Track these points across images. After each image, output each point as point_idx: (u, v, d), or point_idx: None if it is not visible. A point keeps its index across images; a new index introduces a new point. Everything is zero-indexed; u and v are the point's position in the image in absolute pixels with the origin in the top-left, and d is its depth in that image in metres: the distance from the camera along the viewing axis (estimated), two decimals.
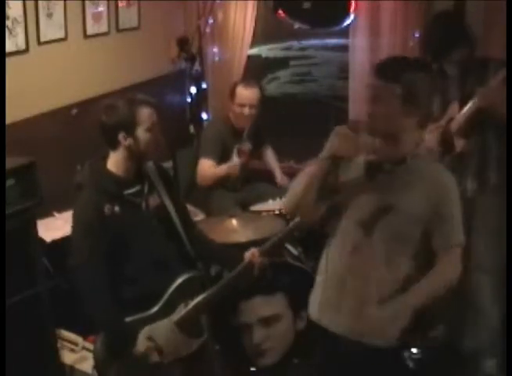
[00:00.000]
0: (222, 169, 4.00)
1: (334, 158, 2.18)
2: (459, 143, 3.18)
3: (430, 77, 2.21)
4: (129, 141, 2.54)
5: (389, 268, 2.24)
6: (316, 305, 2.42)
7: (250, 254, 2.74)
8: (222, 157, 4.03)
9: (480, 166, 3.23)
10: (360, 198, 2.25)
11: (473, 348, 3.41)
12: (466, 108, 3.11)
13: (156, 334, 2.59)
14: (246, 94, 3.97)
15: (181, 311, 2.64)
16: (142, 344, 2.55)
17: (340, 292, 2.33)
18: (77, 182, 2.63)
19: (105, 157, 2.62)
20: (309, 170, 2.25)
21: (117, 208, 2.54)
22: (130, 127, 2.53)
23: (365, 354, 2.27)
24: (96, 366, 2.65)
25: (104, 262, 2.51)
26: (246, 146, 4.09)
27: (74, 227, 2.56)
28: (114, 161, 2.59)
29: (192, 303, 2.64)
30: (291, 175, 4.20)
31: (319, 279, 2.43)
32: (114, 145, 2.57)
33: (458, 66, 3.20)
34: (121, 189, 2.58)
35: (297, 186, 2.29)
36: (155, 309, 2.61)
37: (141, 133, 2.54)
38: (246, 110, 3.97)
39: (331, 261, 2.37)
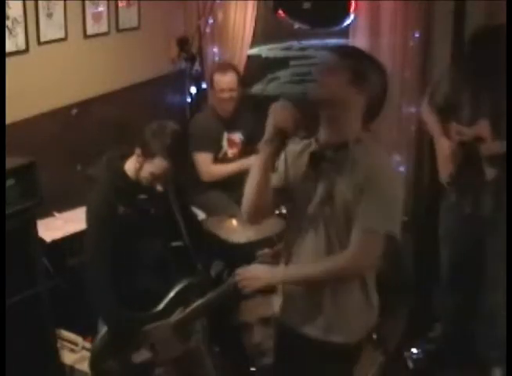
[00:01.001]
0: (231, 167, 4.02)
1: (277, 134, 2.07)
2: (491, 172, 3.12)
3: (379, 67, 2.18)
4: (139, 160, 2.59)
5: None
6: None
7: (264, 254, 2.75)
8: (214, 149, 4.05)
9: (499, 187, 3.17)
10: (306, 190, 2.19)
11: (487, 356, 3.40)
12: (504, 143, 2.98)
13: (153, 333, 2.60)
14: (224, 79, 4.08)
15: (179, 314, 2.65)
16: (142, 343, 2.56)
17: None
18: (90, 176, 2.64)
19: (123, 156, 2.64)
20: (256, 164, 2.16)
21: (129, 210, 2.57)
22: (144, 155, 2.59)
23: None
24: (91, 362, 2.67)
25: (110, 261, 2.53)
26: (237, 135, 4.11)
27: (87, 222, 2.60)
28: (131, 164, 2.63)
29: (191, 306, 2.66)
30: None
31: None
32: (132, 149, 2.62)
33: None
34: (135, 192, 2.61)
35: (250, 188, 2.20)
36: (156, 309, 2.63)
37: (146, 169, 2.59)
38: (227, 94, 4.05)
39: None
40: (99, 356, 2.62)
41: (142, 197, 2.63)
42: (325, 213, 2.15)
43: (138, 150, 2.60)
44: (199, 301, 2.67)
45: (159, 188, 2.62)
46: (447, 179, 3.32)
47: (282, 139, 2.08)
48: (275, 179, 2.20)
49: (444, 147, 3.29)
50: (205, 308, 2.69)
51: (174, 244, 2.76)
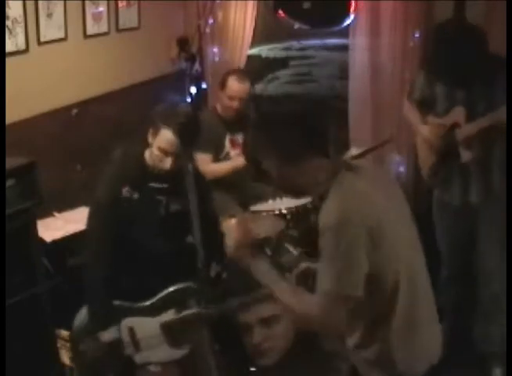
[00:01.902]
0: (226, 165, 4.02)
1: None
2: (466, 154, 3.14)
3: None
4: (151, 141, 2.60)
5: None
6: None
7: None
8: (215, 150, 4.05)
9: (485, 173, 3.20)
10: None
11: (485, 354, 3.40)
12: (477, 122, 3.05)
13: (138, 327, 2.59)
14: (238, 87, 3.99)
15: (171, 315, 2.63)
16: (122, 332, 2.56)
17: None
18: (111, 158, 2.66)
19: (145, 145, 2.64)
20: None
21: (135, 195, 2.56)
22: (152, 132, 2.60)
23: None
24: (71, 343, 2.67)
25: (112, 242, 2.54)
26: (239, 136, 4.11)
27: (91, 208, 2.61)
28: (150, 151, 2.63)
29: (184, 312, 2.63)
30: None
31: None
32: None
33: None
34: (147, 179, 2.59)
35: None
36: (146, 303, 2.62)
37: (154, 146, 2.59)
38: (236, 103, 4.00)
39: None
40: (78, 335, 2.62)
41: (157, 185, 2.62)
42: None
43: (150, 132, 2.60)
44: (194, 310, 2.60)
45: (168, 165, 2.55)
46: (428, 172, 3.35)
47: None
48: None
49: (425, 134, 3.31)
50: (199, 320, 2.63)
51: (179, 241, 2.74)
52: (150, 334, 2.61)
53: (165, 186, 2.63)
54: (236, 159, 4.03)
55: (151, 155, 2.62)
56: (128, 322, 2.58)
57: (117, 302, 2.57)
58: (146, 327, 2.61)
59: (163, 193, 2.63)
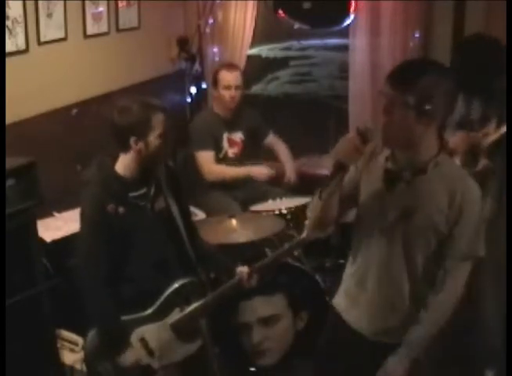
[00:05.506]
0: (235, 171, 4.05)
1: (340, 166, 2.08)
2: (482, 162, 3.12)
3: (445, 81, 2.05)
4: (140, 145, 2.54)
5: (408, 274, 2.19)
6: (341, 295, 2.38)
7: (241, 272, 2.70)
8: (215, 148, 4.06)
9: (500, 188, 3.17)
10: (380, 208, 2.17)
11: (474, 357, 3.39)
12: (499, 130, 3.05)
13: (149, 335, 2.59)
14: (231, 76, 4.08)
15: (176, 315, 2.64)
16: (134, 345, 2.55)
17: (361, 290, 2.28)
18: (85, 179, 2.63)
19: (114, 157, 2.62)
20: (318, 203, 2.15)
21: (121, 209, 2.55)
22: (143, 132, 2.53)
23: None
24: (85, 361, 2.66)
25: (104, 261, 2.52)
26: (237, 135, 4.12)
27: (81, 223, 2.59)
28: (123, 163, 2.59)
29: (188, 308, 2.65)
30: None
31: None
32: (125, 147, 2.57)
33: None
34: (127, 191, 2.58)
35: (314, 211, 2.21)
36: (150, 310, 2.62)
37: (152, 139, 2.53)
38: (233, 92, 4.05)
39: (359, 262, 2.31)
40: (93, 358, 2.60)
41: (136, 193, 2.60)
42: (400, 231, 2.15)
43: (133, 139, 2.53)
44: (198, 303, 2.65)
45: (169, 143, 2.58)
46: None
47: (342, 175, 2.09)
48: (348, 185, 2.18)
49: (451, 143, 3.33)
50: (204, 309, 2.67)
51: (173, 245, 2.73)
52: (162, 338, 2.62)
53: (144, 190, 2.62)
54: (244, 168, 4.06)
55: (137, 166, 2.59)
56: (138, 333, 2.58)
57: (124, 317, 2.57)
58: (156, 332, 2.61)
59: (143, 199, 2.62)
